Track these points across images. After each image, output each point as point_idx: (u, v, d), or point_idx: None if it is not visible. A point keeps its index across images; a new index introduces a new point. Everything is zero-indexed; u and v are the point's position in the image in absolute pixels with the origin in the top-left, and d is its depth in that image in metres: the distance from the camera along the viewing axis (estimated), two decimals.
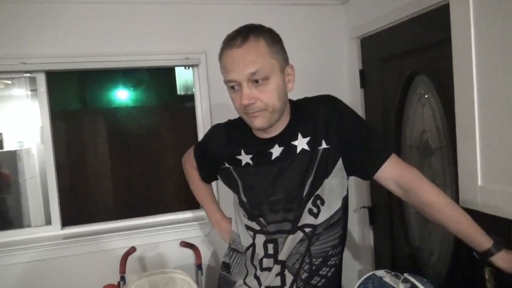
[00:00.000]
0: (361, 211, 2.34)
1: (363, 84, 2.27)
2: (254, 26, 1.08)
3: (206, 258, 2.19)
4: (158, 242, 2.15)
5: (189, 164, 1.49)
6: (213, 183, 1.51)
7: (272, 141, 1.15)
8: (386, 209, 2.15)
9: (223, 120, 1.35)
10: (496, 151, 1.12)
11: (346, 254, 1.24)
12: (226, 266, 1.32)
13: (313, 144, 1.11)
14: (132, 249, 1.95)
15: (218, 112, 2.20)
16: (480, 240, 1.03)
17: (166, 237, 2.15)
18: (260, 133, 1.16)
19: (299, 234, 1.12)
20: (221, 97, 2.21)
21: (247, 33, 1.04)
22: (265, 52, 1.03)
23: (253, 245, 1.19)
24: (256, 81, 1.02)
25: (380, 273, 1.14)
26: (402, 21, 1.84)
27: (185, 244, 2.02)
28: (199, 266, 1.96)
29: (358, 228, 2.39)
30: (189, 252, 2.07)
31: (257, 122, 1.06)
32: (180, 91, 2.99)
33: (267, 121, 1.07)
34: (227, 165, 1.23)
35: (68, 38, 2.02)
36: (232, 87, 1.06)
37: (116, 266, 1.90)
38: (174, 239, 2.13)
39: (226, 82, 1.07)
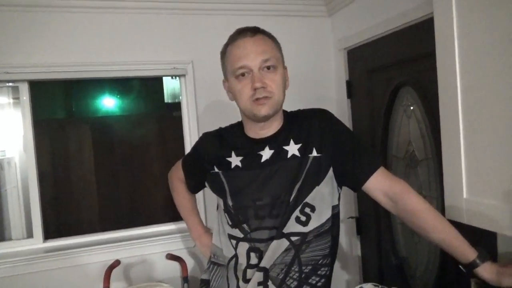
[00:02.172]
0: (348, 221, 2.34)
1: (349, 94, 2.29)
2: (259, 27, 1.18)
3: (192, 271, 2.16)
4: (143, 254, 2.11)
5: (176, 176, 1.49)
6: (200, 198, 1.49)
7: (263, 143, 1.17)
8: (373, 219, 2.15)
9: (210, 129, 1.36)
10: (481, 164, 1.13)
11: (334, 264, 1.24)
12: (205, 283, 1.30)
13: (304, 151, 1.13)
14: (116, 263, 1.90)
15: (205, 122, 2.19)
16: (465, 251, 1.04)
17: (151, 250, 2.11)
18: (252, 132, 1.19)
19: (284, 243, 1.11)
20: (208, 107, 2.20)
21: (255, 29, 1.15)
22: (273, 45, 1.15)
23: (235, 255, 1.17)
24: (268, 68, 1.10)
25: (368, 286, 1.14)
26: (388, 33, 1.87)
27: (171, 257, 1.98)
28: (185, 279, 1.93)
29: (345, 238, 2.39)
30: (175, 264, 2.03)
31: (263, 110, 1.10)
32: (167, 99, 2.95)
33: (272, 109, 1.11)
34: (216, 169, 1.23)
35: (52, 48, 1.99)
36: (242, 74, 1.10)
37: (100, 280, 1.86)
38: (160, 251, 2.09)
39: (235, 70, 1.11)
